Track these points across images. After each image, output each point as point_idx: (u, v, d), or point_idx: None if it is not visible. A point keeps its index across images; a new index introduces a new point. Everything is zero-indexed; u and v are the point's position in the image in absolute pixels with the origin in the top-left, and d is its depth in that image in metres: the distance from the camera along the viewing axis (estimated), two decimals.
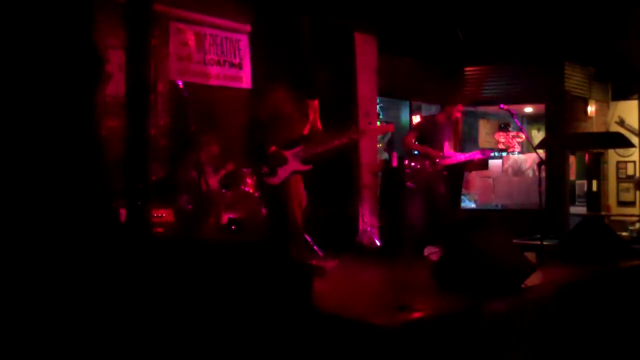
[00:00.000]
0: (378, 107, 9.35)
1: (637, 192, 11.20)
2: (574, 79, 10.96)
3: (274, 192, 5.47)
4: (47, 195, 3.61)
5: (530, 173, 11.09)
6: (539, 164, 6.57)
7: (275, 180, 5.43)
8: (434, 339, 3.50)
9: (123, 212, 4.52)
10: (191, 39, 6.94)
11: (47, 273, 3.32)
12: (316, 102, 5.70)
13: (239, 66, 7.40)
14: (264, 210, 6.06)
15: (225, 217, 6.17)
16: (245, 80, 7.43)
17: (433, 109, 10.41)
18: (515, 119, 7.25)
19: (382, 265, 6.18)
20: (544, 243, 6.29)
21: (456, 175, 7.40)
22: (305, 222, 5.67)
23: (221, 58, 7.23)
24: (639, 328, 5.13)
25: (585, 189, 11.58)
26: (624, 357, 4.87)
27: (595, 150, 11.40)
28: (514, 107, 8.08)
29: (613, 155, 11.84)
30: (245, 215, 6.22)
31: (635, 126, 11.65)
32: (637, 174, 11.61)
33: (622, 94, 11.95)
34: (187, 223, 5.88)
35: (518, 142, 11.88)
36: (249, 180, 6.43)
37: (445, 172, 6.83)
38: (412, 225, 6.60)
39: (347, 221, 7.82)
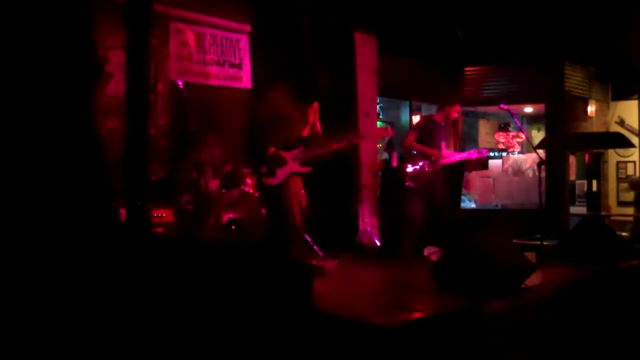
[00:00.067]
0: (378, 107, 9.35)
1: (633, 192, 11.19)
2: (574, 79, 10.96)
3: (273, 193, 5.48)
4: (47, 195, 3.61)
5: (530, 173, 11.10)
6: (539, 164, 6.57)
7: (274, 181, 5.44)
8: (434, 339, 3.50)
9: (123, 212, 4.52)
10: (191, 39, 6.93)
11: (47, 273, 3.32)
12: (316, 105, 5.71)
13: (239, 66, 7.39)
14: (264, 210, 6.06)
15: (225, 217, 6.17)
16: (245, 80, 7.43)
17: (433, 109, 10.39)
18: (515, 119, 7.25)
19: (382, 265, 6.18)
20: (544, 243, 6.29)
21: (456, 175, 7.40)
22: (305, 222, 5.67)
23: (221, 58, 7.23)
24: (639, 328, 5.13)
25: (585, 189, 11.57)
26: (624, 357, 4.87)
27: (595, 150, 11.40)
28: (514, 107, 8.08)
29: (613, 155, 11.84)
30: (245, 215, 6.22)
31: (635, 126, 11.65)
32: (638, 174, 11.60)
33: (622, 94, 11.94)
34: (187, 223, 5.87)
35: (518, 142, 11.89)
36: (248, 181, 6.42)
37: (444, 172, 6.84)
38: (412, 226, 6.59)
39: (347, 221, 7.82)
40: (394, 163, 9.02)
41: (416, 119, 10.28)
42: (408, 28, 9.08)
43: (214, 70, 7.13)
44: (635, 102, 11.69)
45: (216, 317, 3.30)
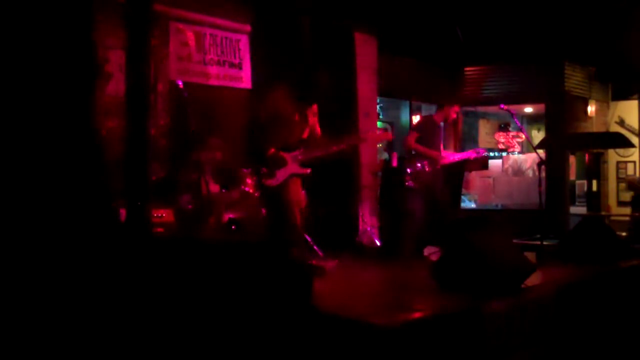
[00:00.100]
0: (378, 107, 9.35)
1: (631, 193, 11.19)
2: (574, 79, 10.96)
3: (273, 194, 5.48)
4: (47, 195, 3.61)
5: (530, 173, 11.09)
6: (539, 164, 6.57)
7: (273, 182, 5.44)
8: (434, 339, 3.50)
9: (123, 212, 4.52)
10: (191, 39, 6.93)
11: (47, 273, 3.32)
12: (315, 107, 5.71)
13: (239, 66, 7.39)
14: (264, 210, 6.07)
15: (225, 217, 6.17)
16: (245, 80, 7.43)
17: (433, 109, 10.39)
18: (515, 119, 7.25)
19: (382, 265, 6.18)
20: (544, 243, 6.29)
21: (456, 175, 7.40)
22: (305, 222, 5.68)
23: (221, 58, 7.23)
24: (639, 328, 5.13)
25: (585, 189, 11.57)
26: (624, 357, 4.87)
27: (595, 150, 11.39)
28: (514, 107, 8.08)
29: (613, 155, 11.84)
30: (245, 215, 6.22)
31: (635, 126, 11.65)
32: (638, 174, 11.60)
33: (622, 94, 11.94)
34: (187, 223, 5.87)
35: (518, 142, 11.89)
36: (249, 181, 6.42)
37: (444, 172, 6.84)
38: (412, 226, 6.59)
39: (347, 221, 7.82)
40: (394, 163, 9.03)
41: (416, 119, 10.28)
42: (408, 28, 9.08)
43: (214, 70, 7.13)
44: (635, 102, 11.68)
45: (216, 317, 3.30)
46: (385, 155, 9.84)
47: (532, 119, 12.51)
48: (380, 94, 9.24)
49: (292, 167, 5.45)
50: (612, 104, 12.06)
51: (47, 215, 3.57)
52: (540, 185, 6.57)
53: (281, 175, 5.44)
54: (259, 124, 5.63)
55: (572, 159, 11.44)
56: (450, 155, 7.10)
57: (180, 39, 6.84)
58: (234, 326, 3.29)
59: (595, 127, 11.50)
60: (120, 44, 5.67)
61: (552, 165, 9.83)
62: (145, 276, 3.43)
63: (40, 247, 3.43)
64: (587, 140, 10.85)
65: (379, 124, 9.67)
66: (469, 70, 10.99)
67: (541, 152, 7.92)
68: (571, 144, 10.77)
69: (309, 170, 5.52)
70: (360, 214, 8.00)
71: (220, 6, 7.18)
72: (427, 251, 6.41)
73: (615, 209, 11.56)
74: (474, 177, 10.95)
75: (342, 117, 7.91)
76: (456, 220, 7.09)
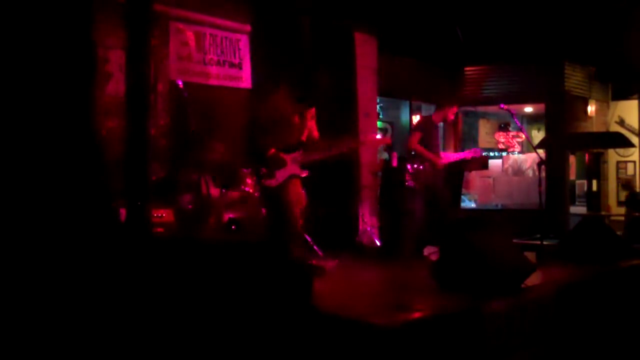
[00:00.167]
0: (378, 107, 9.35)
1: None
2: (574, 79, 10.96)
3: (273, 194, 5.48)
4: (47, 195, 3.61)
5: (530, 173, 11.09)
6: (539, 164, 6.57)
7: (272, 183, 5.44)
8: (434, 339, 3.50)
9: (123, 212, 4.52)
10: (191, 39, 6.93)
11: (47, 273, 3.32)
12: (313, 110, 5.71)
13: (239, 66, 7.39)
14: (264, 210, 6.07)
15: (225, 217, 6.17)
16: (245, 80, 7.43)
17: (433, 109, 10.40)
18: (515, 119, 7.25)
19: (382, 265, 6.18)
20: (544, 243, 6.29)
21: (456, 175, 7.41)
22: (305, 222, 5.67)
23: (221, 58, 7.23)
24: (639, 328, 5.13)
25: (585, 189, 11.57)
26: (624, 357, 4.87)
27: (595, 150, 11.39)
28: (514, 107, 8.08)
29: (613, 155, 11.84)
30: (245, 215, 6.21)
31: (635, 126, 11.65)
32: (638, 174, 11.61)
33: (622, 94, 11.94)
34: (187, 223, 5.87)
35: (518, 142, 11.89)
36: (249, 181, 6.42)
37: (444, 172, 6.85)
38: (412, 226, 6.59)
39: (347, 221, 7.82)
40: (394, 163, 9.02)
41: (416, 119, 10.28)
42: (408, 28, 9.08)
43: (214, 70, 7.13)
44: (635, 102, 11.68)
45: (216, 317, 3.30)
46: (385, 155, 9.83)
47: (532, 119, 12.51)
48: (380, 94, 9.23)
49: (291, 168, 5.45)
50: (612, 103, 12.06)
51: (47, 215, 3.57)
52: (540, 185, 6.57)
53: (281, 175, 5.44)
54: (259, 124, 5.63)
55: (572, 159, 11.44)
56: (448, 156, 7.12)
57: (180, 39, 6.84)
58: (234, 326, 3.29)
59: (595, 127, 11.50)
60: (120, 44, 5.67)
61: (552, 165, 9.82)
62: (145, 276, 3.43)
63: (40, 247, 3.43)
64: (587, 140, 10.85)
65: (379, 124, 9.66)
66: (469, 70, 10.99)
67: (541, 152, 7.92)
68: (571, 143, 10.77)
69: (307, 173, 5.54)
70: (360, 214, 8.00)
71: (220, 6, 7.18)
72: (427, 251, 6.41)
73: (615, 209, 11.56)
74: (474, 177, 10.95)
75: (342, 117, 7.91)
76: (456, 220, 7.09)
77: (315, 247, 6.10)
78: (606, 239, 5.83)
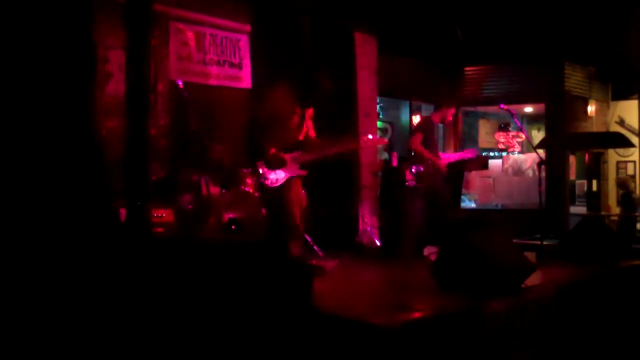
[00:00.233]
0: (378, 107, 9.35)
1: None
2: (574, 79, 10.96)
3: (273, 194, 5.48)
4: (47, 195, 3.61)
5: (530, 173, 11.09)
6: (539, 164, 6.57)
7: (272, 183, 5.44)
8: (434, 339, 3.50)
9: (123, 212, 4.52)
10: (191, 39, 6.93)
11: (47, 273, 3.32)
12: (310, 110, 5.71)
13: (239, 66, 7.39)
14: (264, 210, 6.07)
15: (225, 217, 6.16)
16: (245, 80, 7.43)
17: (433, 109, 10.41)
18: (515, 119, 7.25)
19: (382, 265, 6.18)
20: (544, 243, 6.29)
21: (456, 175, 7.41)
22: (305, 222, 5.67)
23: (221, 58, 7.23)
24: (639, 328, 5.13)
25: (585, 189, 11.57)
26: (624, 357, 4.87)
27: (595, 150, 11.40)
28: (514, 107, 8.09)
29: (613, 155, 11.84)
30: (245, 215, 6.22)
31: (635, 126, 11.64)
32: (638, 174, 11.60)
33: (622, 94, 11.94)
34: (187, 223, 5.87)
35: (518, 142, 11.89)
36: (249, 180, 6.42)
37: (445, 172, 6.86)
38: (412, 225, 6.60)
39: (347, 221, 7.82)
40: (394, 163, 9.02)
41: (416, 119, 10.29)
42: (408, 28, 9.08)
43: (214, 70, 7.13)
44: (635, 102, 11.68)
45: (216, 317, 3.30)
46: (385, 155, 9.84)
47: (532, 119, 12.51)
48: (380, 94, 9.24)
49: (291, 167, 5.46)
50: (612, 103, 12.06)
51: (47, 215, 3.57)
52: (540, 185, 6.57)
53: (281, 175, 5.44)
54: (259, 124, 5.63)
55: (572, 159, 11.44)
56: (447, 157, 7.13)
57: (180, 39, 6.84)
58: (234, 326, 3.29)
59: (595, 127, 11.50)
60: (120, 44, 5.67)
61: (552, 165, 9.83)
62: (145, 276, 3.43)
63: (40, 247, 3.43)
64: (587, 140, 10.85)
65: (379, 123, 9.67)
66: (469, 70, 10.99)
67: (541, 152, 7.93)
68: (571, 143, 10.77)
69: (305, 172, 5.54)
70: (360, 214, 8.00)
71: (220, 6, 7.19)
72: (427, 251, 6.41)
73: (615, 209, 11.56)
74: (474, 177, 10.95)
75: (342, 117, 7.92)
76: (456, 220, 7.09)
77: (315, 247, 6.10)
78: (606, 239, 5.83)
